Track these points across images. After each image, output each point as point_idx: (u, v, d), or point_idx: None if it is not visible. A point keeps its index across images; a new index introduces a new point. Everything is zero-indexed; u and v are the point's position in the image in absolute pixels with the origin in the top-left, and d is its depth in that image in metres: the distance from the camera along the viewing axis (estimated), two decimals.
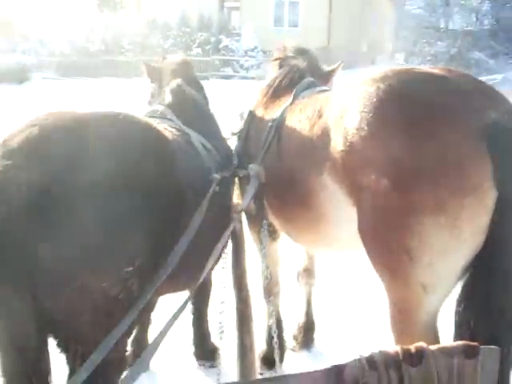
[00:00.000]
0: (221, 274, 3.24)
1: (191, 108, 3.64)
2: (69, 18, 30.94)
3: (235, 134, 3.98)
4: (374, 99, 2.40)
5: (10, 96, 19.53)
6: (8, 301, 2.10)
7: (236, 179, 3.68)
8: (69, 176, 2.09)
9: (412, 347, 1.81)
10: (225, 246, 3.21)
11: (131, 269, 2.22)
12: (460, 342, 1.88)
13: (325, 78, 4.04)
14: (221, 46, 30.45)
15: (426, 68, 2.57)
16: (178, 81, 3.75)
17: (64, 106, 2.48)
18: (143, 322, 3.81)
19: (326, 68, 4.17)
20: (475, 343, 1.85)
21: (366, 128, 2.38)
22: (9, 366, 2.24)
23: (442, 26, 29.85)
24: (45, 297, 2.11)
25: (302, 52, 4.08)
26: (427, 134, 2.23)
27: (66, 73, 27.60)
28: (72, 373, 2.23)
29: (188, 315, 4.01)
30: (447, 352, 1.82)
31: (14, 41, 29.23)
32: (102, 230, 2.12)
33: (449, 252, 2.23)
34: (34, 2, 31.83)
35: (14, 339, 2.18)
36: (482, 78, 2.74)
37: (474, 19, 30.00)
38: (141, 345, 3.83)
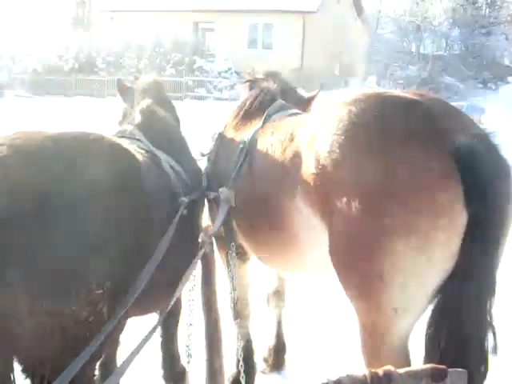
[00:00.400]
0: (189, 296, 3.20)
1: (160, 129, 3.62)
2: (42, 35, 30.84)
3: (205, 155, 3.97)
4: (346, 122, 2.40)
5: None
6: None
7: (205, 201, 3.66)
8: (34, 197, 2.06)
9: (380, 370, 1.81)
10: (194, 268, 3.18)
11: (101, 292, 2.19)
12: (428, 365, 1.89)
13: (302, 103, 4.05)
14: (195, 66, 30.54)
15: (398, 91, 2.58)
16: (148, 101, 3.73)
17: (36, 125, 2.46)
18: (112, 345, 3.75)
19: (302, 92, 4.19)
20: (443, 366, 1.85)
21: (337, 151, 2.38)
22: None
23: (413, 50, 30.34)
24: (11, 320, 2.06)
25: (272, 74, 4.10)
26: (398, 157, 2.23)
27: (38, 91, 27.46)
28: None
29: (157, 337, 3.95)
30: (415, 375, 1.82)
31: None
32: (71, 255, 2.09)
33: (420, 275, 2.23)
34: (7, 19, 31.66)
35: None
36: (453, 103, 2.77)
37: (444, 44, 30.51)
38: (109, 368, 3.76)
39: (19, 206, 2.03)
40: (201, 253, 3.02)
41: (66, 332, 2.13)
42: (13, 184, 2.06)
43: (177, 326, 3.99)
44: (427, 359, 2.27)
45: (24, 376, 2.22)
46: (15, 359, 2.20)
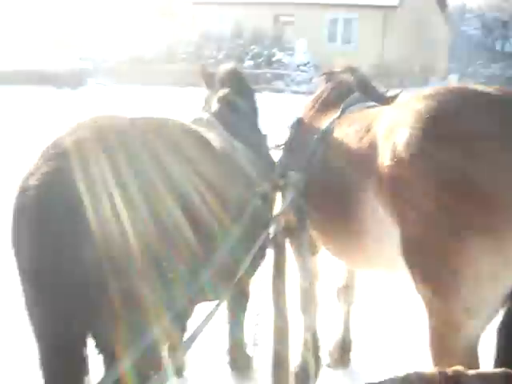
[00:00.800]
0: (259, 285, 3.22)
1: (237, 118, 3.65)
2: (126, 25, 31.56)
3: (280, 145, 3.97)
4: (426, 115, 2.35)
5: (64, 100, 19.98)
6: (52, 302, 2.14)
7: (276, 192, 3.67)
8: (114, 181, 2.11)
9: (449, 370, 1.76)
10: (263, 257, 3.20)
11: (172, 275, 2.23)
12: (500, 369, 1.82)
13: (382, 101, 3.99)
14: (273, 59, 30.54)
15: (480, 86, 2.51)
16: (226, 90, 3.76)
17: (116, 112, 2.51)
18: (180, 329, 3.82)
19: (382, 89, 4.13)
20: None
21: (415, 144, 2.33)
22: (48, 363, 2.27)
23: (497, 48, 29.35)
24: (89, 300, 2.13)
25: (350, 69, 4.06)
26: (479, 153, 2.17)
27: (120, 79, 28.10)
28: None
29: (224, 324, 4.01)
30: (486, 378, 1.76)
31: (72, 46, 29.96)
32: (156, 229, 2.14)
33: (495, 276, 2.17)
34: (93, 9, 32.56)
35: (55, 338, 2.21)
36: None
37: None
38: (175, 352, 3.83)
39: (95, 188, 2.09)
40: (266, 234, 3.02)
41: (139, 310, 2.19)
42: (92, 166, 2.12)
43: (244, 313, 4.02)
44: (498, 363, 2.21)
45: (97, 352, 2.29)
46: (90, 336, 2.27)
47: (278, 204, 3.74)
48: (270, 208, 3.56)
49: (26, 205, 2.10)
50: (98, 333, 2.26)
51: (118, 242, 2.06)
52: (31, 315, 2.24)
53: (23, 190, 2.13)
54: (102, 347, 2.28)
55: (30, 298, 2.20)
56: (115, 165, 2.14)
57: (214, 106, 3.62)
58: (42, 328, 2.20)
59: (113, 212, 2.07)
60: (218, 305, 2.52)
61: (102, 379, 2.13)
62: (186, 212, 2.30)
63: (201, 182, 2.43)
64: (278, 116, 10.89)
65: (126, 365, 2.13)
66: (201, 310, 2.71)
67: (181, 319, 2.62)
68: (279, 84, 29.34)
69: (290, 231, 3.64)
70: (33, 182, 2.11)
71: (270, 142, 4.02)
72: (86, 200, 2.04)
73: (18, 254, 2.18)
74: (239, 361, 4.08)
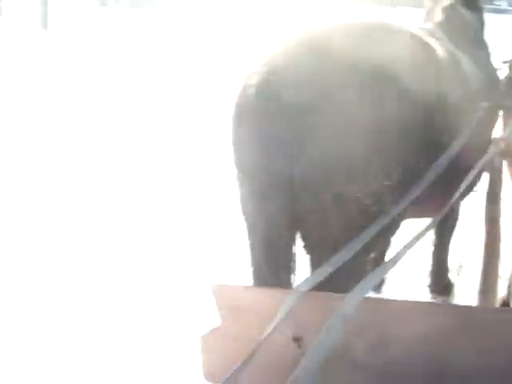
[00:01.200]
0: (471, 206, 3.08)
1: (461, 30, 3.41)
2: None
3: (507, 62, 3.67)
4: None
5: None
6: (269, 203, 2.23)
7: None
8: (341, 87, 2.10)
9: None
10: (478, 179, 3.05)
11: (388, 183, 2.21)
12: None
13: None
14: None
15: None
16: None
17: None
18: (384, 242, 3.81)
19: None
20: None
21: None
22: (259, 259, 2.41)
23: None
24: (301, 201, 2.19)
25: None
26: None
27: None
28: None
29: (429, 246, 3.92)
30: None
31: None
32: (369, 143, 2.12)
33: None
34: None
35: (268, 236, 2.32)
36: None
37: None
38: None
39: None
40: (486, 157, 2.85)
41: (349, 217, 2.21)
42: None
43: (451, 236, 3.89)
44: None
45: (305, 251, 2.36)
46: (299, 235, 2.35)
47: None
48: (491, 126, 3.35)
49: (248, 101, 2.18)
50: (306, 235, 2.33)
51: (340, 144, 2.07)
52: (245, 211, 2.37)
53: (245, 88, 2.21)
54: (309, 249, 2.35)
55: (246, 190, 2.31)
56: (338, 71, 2.13)
57: (438, 15, 3.41)
58: (256, 222, 2.32)
59: (336, 110, 2.07)
60: (430, 225, 2.45)
61: (307, 279, 2.20)
62: (411, 119, 2.23)
63: (425, 88, 2.33)
64: (498, 39, 10.11)
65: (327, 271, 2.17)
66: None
67: (387, 232, 2.61)
68: (502, 3, 27.11)
69: (508, 154, 3.42)
70: (253, 80, 2.18)
71: (494, 60, 3.74)
72: (308, 98, 2.06)
73: (237, 150, 2.29)
74: (440, 284, 4.00)
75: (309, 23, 2.38)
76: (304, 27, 2.37)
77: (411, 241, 2.31)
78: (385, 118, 2.14)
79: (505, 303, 3.78)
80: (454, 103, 2.55)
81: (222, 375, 1.78)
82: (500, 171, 3.30)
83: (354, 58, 2.16)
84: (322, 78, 2.10)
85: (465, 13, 3.54)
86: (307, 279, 2.16)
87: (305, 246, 2.35)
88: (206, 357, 2.12)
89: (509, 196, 3.46)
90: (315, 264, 2.31)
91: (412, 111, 2.23)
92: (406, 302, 2.39)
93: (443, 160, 2.42)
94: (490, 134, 3.31)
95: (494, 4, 26.33)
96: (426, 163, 2.39)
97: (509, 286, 3.78)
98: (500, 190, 3.31)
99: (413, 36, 2.51)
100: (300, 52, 2.18)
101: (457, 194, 2.62)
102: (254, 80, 2.18)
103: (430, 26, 3.28)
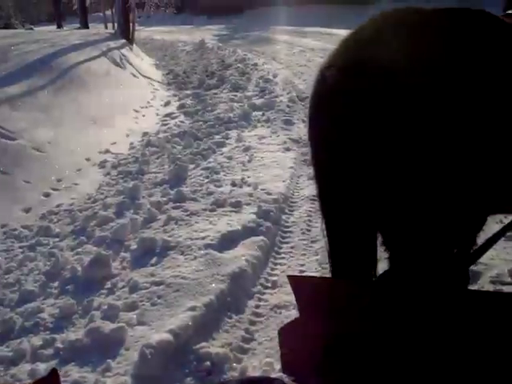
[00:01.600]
0: None
1: None
2: None
3: None
4: None
5: None
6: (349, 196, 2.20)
7: None
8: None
9: None
10: None
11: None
12: None
13: None
14: None
15: None
16: None
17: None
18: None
19: None
20: None
21: None
22: (338, 251, 2.39)
23: None
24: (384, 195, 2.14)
25: None
26: None
27: None
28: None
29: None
30: None
31: None
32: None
33: None
34: None
35: (348, 228, 2.29)
36: None
37: None
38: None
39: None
40: None
41: (431, 212, 2.14)
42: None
43: None
44: None
45: (383, 247, 2.32)
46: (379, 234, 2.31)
47: None
48: None
49: (327, 92, 2.15)
50: (385, 231, 2.28)
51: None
52: (323, 201, 2.36)
53: (323, 79, 2.17)
54: (387, 246, 2.31)
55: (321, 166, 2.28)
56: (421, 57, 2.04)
57: None
58: (335, 214, 2.30)
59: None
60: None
61: (384, 272, 2.16)
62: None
63: None
64: None
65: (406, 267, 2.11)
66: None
67: (472, 228, 2.52)
68: None
69: None
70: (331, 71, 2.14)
71: None
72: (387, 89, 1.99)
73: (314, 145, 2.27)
74: None
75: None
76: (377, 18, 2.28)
77: (495, 234, 2.24)
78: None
79: None
80: None
81: (300, 368, 1.76)
82: None
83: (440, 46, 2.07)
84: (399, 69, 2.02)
85: None
86: (385, 272, 2.12)
87: (383, 243, 2.30)
88: (284, 350, 2.10)
89: None
90: (393, 259, 2.27)
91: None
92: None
93: None
94: None
95: None
96: None
97: None
98: None
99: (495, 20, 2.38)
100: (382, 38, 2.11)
101: None
102: (333, 71, 2.13)
103: None
